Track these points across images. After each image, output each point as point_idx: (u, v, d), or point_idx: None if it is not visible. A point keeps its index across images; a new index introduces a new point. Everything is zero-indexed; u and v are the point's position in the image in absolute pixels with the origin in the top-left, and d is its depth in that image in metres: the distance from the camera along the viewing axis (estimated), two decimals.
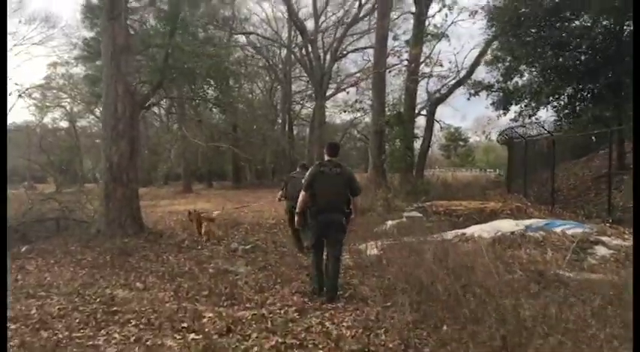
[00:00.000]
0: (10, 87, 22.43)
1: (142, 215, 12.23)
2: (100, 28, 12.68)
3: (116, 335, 4.99)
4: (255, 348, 4.55)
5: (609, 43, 13.17)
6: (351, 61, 40.09)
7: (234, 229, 12.96)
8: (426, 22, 21.88)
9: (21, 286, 7.14)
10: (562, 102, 14.70)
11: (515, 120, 16.92)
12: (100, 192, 11.89)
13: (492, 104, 16.98)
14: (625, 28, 12.95)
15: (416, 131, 23.23)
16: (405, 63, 21.93)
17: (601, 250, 7.04)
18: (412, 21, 23.29)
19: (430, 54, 22.06)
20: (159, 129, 38.81)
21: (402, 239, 9.49)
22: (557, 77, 13.91)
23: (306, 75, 36.72)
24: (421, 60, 21.72)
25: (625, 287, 5.07)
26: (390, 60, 23.28)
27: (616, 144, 13.50)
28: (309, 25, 34.76)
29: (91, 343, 4.82)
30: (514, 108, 16.49)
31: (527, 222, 9.32)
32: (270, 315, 5.50)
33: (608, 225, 9.29)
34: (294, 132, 42.07)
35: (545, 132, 14.59)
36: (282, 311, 5.65)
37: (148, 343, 4.78)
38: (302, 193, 6.30)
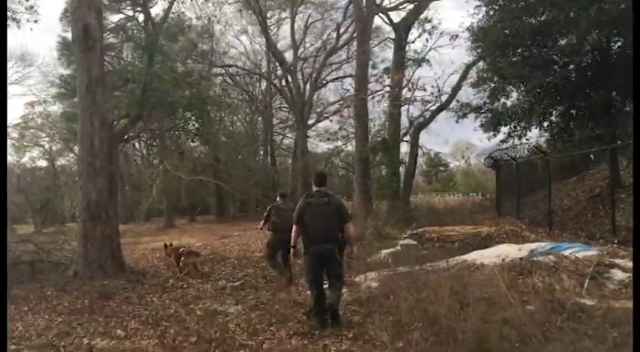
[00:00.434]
0: None
1: (122, 254, 11.55)
2: (75, 60, 12.16)
3: None
4: None
5: (599, 59, 12.98)
6: (330, 90, 39.89)
7: (221, 264, 12.31)
8: (406, 48, 21.85)
9: None
10: (554, 121, 14.43)
11: (504, 141, 16.65)
12: (78, 232, 11.21)
13: (481, 126, 16.73)
14: (612, 44, 12.85)
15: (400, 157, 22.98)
16: (388, 88, 21.72)
17: (618, 274, 6.59)
18: (390, 50, 23.32)
19: (411, 78, 21.97)
20: (140, 164, 38.18)
21: (399, 269, 9.05)
22: (548, 96, 13.67)
23: (286, 105, 36.52)
24: (403, 85, 21.53)
25: None
26: (372, 87, 23.11)
27: (610, 162, 13.24)
28: (288, 56, 34.68)
29: None
30: (503, 130, 16.23)
31: (531, 246, 8.88)
32: None
33: (615, 246, 8.88)
34: (277, 162, 41.63)
35: (539, 152, 14.31)
36: None
37: None
38: (293, 227, 6.31)
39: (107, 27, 22.01)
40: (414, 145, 24.16)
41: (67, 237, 14.00)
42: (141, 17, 23.97)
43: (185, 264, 10.59)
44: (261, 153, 40.60)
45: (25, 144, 34.26)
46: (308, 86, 35.00)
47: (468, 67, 21.59)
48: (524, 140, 15.78)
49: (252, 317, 6.95)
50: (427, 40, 21.06)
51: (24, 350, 5.89)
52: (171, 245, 11.60)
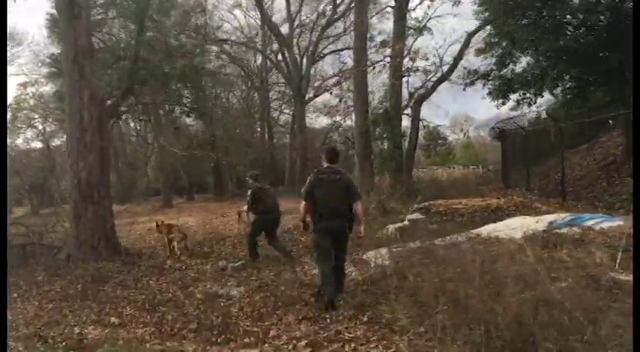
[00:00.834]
0: None
1: (117, 235, 11.03)
2: (60, 31, 11.46)
3: None
4: None
5: (612, 21, 12.25)
6: (328, 63, 39.09)
7: (220, 244, 11.82)
8: (407, 17, 21.09)
9: None
10: (569, 87, 13.74)
11: (513, 109, 16.01)
12: (69, 213, 10.66)
13: (489, 94, 16.04)
14: (627, 3, 12.12)
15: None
16: (388, 59, 21.01)
17: None
18: (387, 21, 22.55)
19: (411, 48, 21.24)
20: (135, 143, 37.60)
21: (410, 244, 8.57)
22: (562, 60, 12.93)
23: (283, 80, 35.84)
24: (404, 55, 20.82)
25: None
26: (372, 58, 22.41)
27: (624, 128, 12.63)
28: (284, 30, 33.86)
29: None
30: (512, 98, 15.54)
31: (549, 217, 8.38)
32: None
33: None
34: (274, 139, 41.02)
35: (548, 121, 13.70)
36: (290, 347, 4.59)
37: None
38: (303, 202, 6.22)
39: (97, 2, 21.21)
40: (415, 118, 23.61)
41: (59, 219, 13.40)
42: None
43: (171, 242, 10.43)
44: (259, 129, 40.02)
45: (18, 125, 33.52)
46: (305, 60, 34.40)
47: (470, 35, 20.98)
48: (533, 108, 15.21)
49: (255, 300, 6.46)
50: (429, 7, 20.21)
51: (9, 342, 5.38)
52: (162, 223, 11.21)
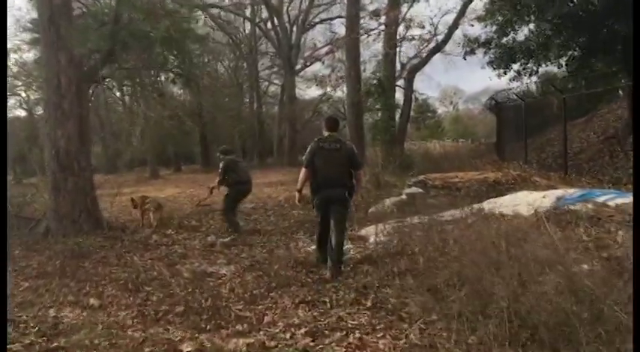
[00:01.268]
0: None
1: (100, 207, 10.47)
2: None
3: None
4: None
5: None
6: (319, 32, 38.17)
7: (209, 217, 11.30)
8: None
9: None
10: (575, 56, 13.19)
11: (514, 79, 15.44)
12: (48, 184, 10.05)
13: (489, 63, 15.47)
14: None
15: None
16: (383, 27, 20.35)
17: None
18: None
19: (405, 16, 20.61)
20: (121, 112, 36.74)
21: (408, 220, 8.13)
22: (568, 27, 12.33)
23: (273, 49, 34.94)
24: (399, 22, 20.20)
25: None
26: (365, 26, 21.71)
27: (628, 99, 12.18)
28: None
29: None
30: (514, 68, 14.98)
31: (556, 192, 7.92)
32: (273, 343, 3.98)
33: None
34: (263, 110, 40.22)
35: (549, 92, 13.22)
36: (287, 335, 4.12)
37: None
38: (302, 170, 6.23)
39: None
40: (408, 89, 23.13)
41: (39, 190, 12.76)
42: None
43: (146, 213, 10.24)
44: (247, 100, 39.21)
45: None
46: (295, 29, 33.51)
47: (465, 4, 20.44)
48: (534, 78, 14.67)
49: (247, 279, 5.99)
50: None
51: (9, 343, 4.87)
52: (139, 197, 10.99)
